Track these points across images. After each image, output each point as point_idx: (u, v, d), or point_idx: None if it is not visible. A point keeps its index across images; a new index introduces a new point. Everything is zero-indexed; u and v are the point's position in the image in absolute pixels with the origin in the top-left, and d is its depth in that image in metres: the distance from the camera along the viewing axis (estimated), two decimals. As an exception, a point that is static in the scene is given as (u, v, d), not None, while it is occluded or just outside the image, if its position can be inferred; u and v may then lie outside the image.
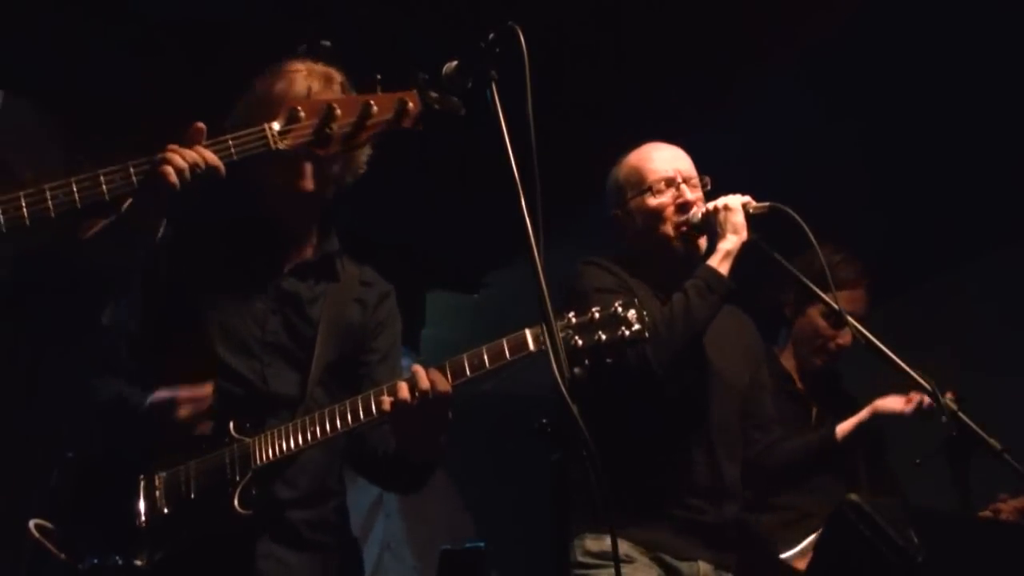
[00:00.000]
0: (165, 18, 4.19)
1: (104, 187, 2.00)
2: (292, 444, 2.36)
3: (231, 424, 2.41)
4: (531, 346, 2.28)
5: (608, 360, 2.27)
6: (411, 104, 2.08)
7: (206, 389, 2.39)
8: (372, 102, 2.07)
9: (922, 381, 2.87)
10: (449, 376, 2.31)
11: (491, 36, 2.15)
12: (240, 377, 2.48)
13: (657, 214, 3.00)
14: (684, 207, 2.99)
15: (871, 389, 3.87)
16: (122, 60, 4.32)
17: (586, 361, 2.25)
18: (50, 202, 1.96)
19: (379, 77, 2.09)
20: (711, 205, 2.92)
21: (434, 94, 2.10)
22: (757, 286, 3.33)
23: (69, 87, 4.38)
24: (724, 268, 2.86)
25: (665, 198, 3.00)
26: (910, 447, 3.29)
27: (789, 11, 4.22)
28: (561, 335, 2.18)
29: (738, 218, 2.86)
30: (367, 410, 2.34)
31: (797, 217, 2.85)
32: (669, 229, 2.99)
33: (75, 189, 1.98)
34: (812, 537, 3.38)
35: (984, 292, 5.57)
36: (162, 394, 2.39)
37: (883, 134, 4.75)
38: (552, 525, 1.97)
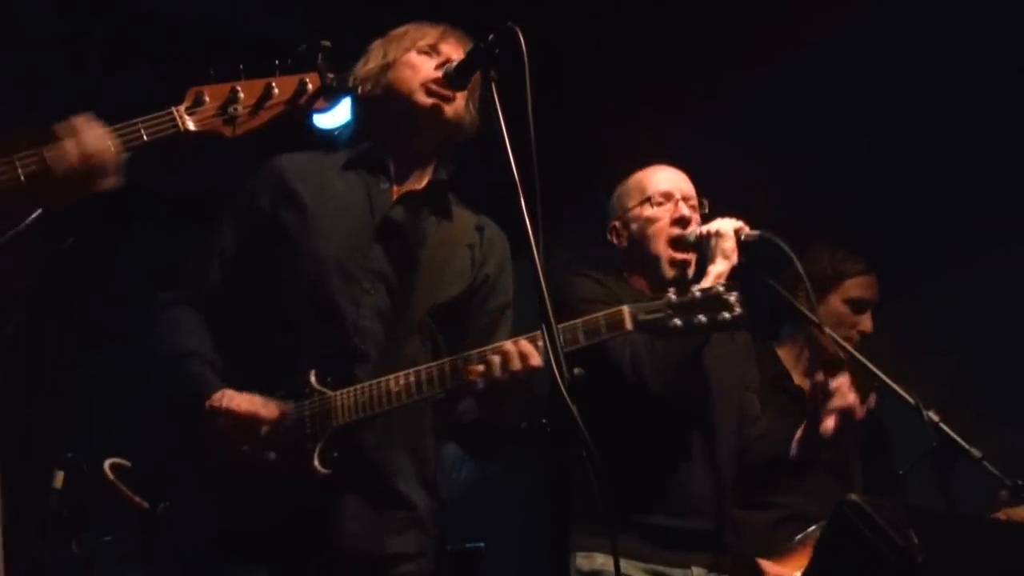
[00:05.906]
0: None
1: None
2: (374, 406, 2.27)
3: (313, 374, 2.30)
4: (628, 324, 2.30)
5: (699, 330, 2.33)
6: (311, 84, 2.12)
7: (284, 410, 2.26)
8: (273, 83, 2.11)
9: (906, 396, 3.06)
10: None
11: (491, 36, 2.15)
12: (333, 306, 2.38)
13: (652, 222, 3.10)
14: (680, 221, 3.08)
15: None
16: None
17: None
18: None
19: (277, 62, 2.15)
20: (704, 229, 3.01)
21: (331, 75, 2.15)
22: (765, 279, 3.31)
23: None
24: None
25: (662, 210, 3.11)
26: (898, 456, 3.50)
27: (790, 11, 4.22)
28: (660, 314, 2.30)
29: (728, 244, 2.94)
30: (455, 377, 2.27)
31: (786, 247, 2.95)
32: (662, 243, 3.08)
33: None
34: (803, 535, 3.38)
35: (984, 292, 5.55)
36: (239, 404, 2.24)
37: (883, 134, 4.75)
38: (552, 526, 1.96)
